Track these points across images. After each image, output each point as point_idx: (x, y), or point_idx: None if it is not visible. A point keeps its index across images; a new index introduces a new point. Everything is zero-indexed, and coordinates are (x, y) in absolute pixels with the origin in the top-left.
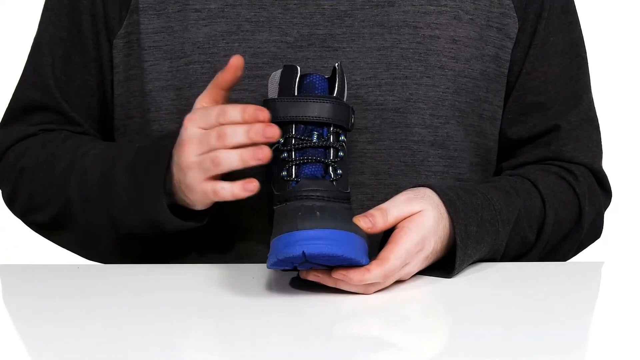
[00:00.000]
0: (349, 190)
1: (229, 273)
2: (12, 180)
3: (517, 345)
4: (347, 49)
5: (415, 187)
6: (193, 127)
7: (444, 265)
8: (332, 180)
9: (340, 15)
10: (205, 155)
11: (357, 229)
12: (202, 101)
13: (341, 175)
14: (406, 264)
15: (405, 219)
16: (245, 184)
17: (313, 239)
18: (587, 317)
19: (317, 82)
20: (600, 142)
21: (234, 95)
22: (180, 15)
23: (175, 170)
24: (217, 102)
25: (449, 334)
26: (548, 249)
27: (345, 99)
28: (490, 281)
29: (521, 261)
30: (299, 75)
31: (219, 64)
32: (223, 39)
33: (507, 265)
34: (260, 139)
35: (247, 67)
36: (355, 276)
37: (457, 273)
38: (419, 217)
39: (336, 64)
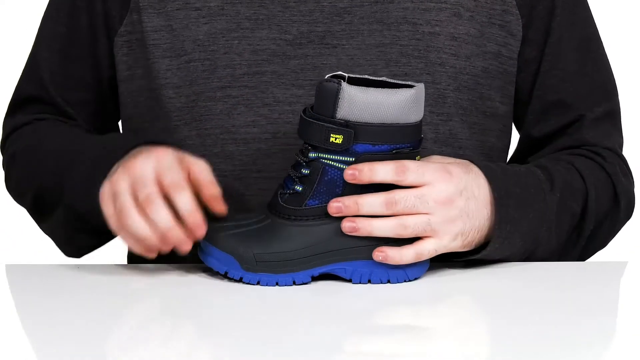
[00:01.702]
0: (305, 207)
1: None
2: (5, 169)
3: (540, 345)
4: (347, 46)
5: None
6: (123, 181)
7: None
8: (285, 193)
9: (339, 12)
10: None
11: (238, 249)
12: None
13: (299, 191)
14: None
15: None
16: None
17: (199, 249)
18: (610, 318)
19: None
20: (621, 142)
21: (234, 92)
22: (180, 14)
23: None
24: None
25: (450, 334)
26: (592, 227)
27: (342, 118)
28: (511, 281)
29: (572, 241)
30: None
31: (219, 61)
32: (223, 37)
33: (528, 265)
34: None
35: (247, 64)
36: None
37: (502, 242)
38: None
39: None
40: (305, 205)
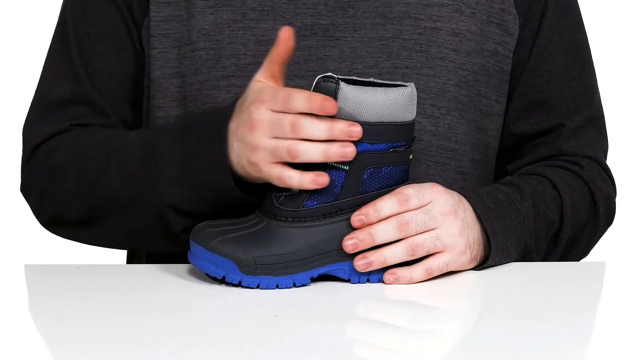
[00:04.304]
0: (303, 208)
1: None
2: (42, 181)
3: (520, 345)
4: (349, 39)
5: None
6: (263, 109)
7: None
8: (281, 196)
9: (343, 6)
10: (281, 142)
11: (236, 252)
12: (260, 77)
13: (296, 192)
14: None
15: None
16: (317, 178)
17: (192, 254)
18: (590, 317)
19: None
20: (605, 148)
21: (237, 81)
22: (188, 4)
23: (236, 145)
24: (274, 77)
25: (450, 333)
26: (572, 235)
27: (340, 117)
28: (492, 282)
29: (549, 249)
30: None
31: (224, 51)
32: (228, 27)
33: (510, 266)
34: (344, 137)
35: (251, 54)
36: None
37: (499, 254)
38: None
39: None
40: (303, 207)
